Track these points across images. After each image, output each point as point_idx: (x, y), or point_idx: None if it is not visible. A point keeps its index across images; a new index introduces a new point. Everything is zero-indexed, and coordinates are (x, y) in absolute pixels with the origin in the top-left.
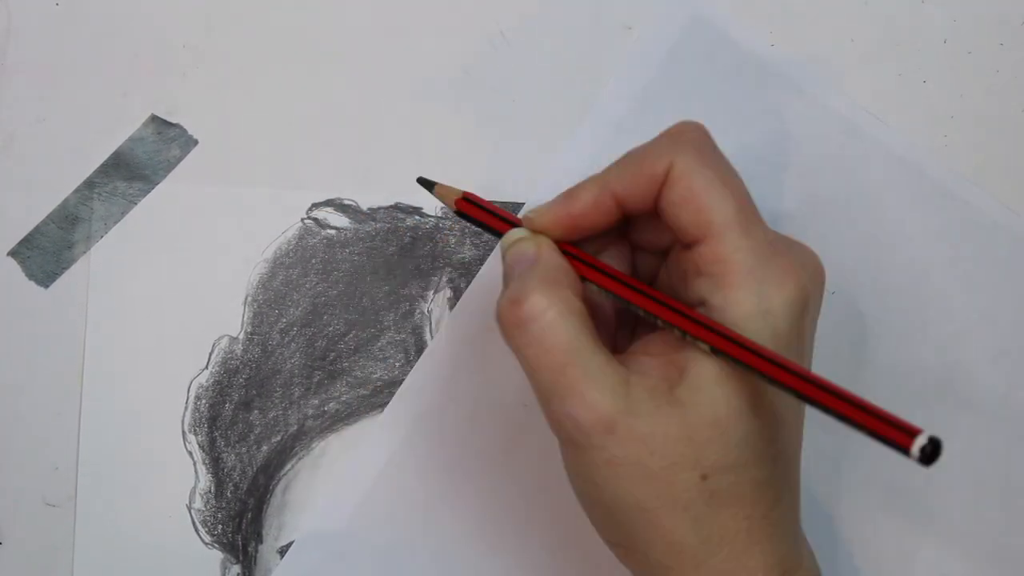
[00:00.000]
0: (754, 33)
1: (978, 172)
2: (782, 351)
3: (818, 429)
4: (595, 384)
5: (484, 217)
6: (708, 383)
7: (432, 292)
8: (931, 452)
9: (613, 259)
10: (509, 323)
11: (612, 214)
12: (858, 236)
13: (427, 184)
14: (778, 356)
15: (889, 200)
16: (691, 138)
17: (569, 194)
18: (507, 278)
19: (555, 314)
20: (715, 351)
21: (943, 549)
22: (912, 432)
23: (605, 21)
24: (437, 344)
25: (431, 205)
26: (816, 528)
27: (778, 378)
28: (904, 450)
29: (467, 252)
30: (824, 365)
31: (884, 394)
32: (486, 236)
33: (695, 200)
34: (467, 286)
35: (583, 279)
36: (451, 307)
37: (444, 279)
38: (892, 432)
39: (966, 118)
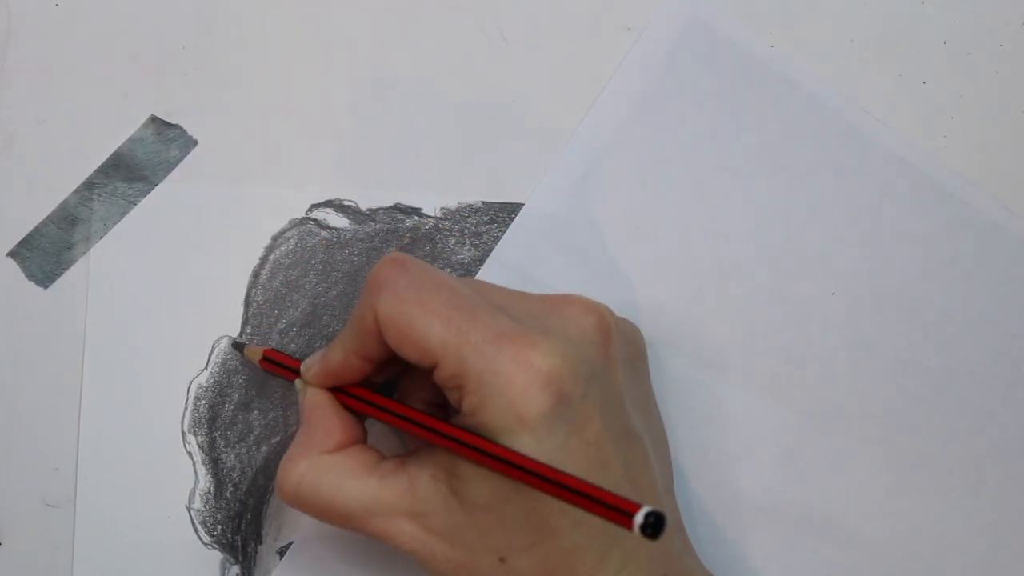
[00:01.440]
0: (753, 34)
1: (978, 172)
2: (544, 432)
3: (815, 431)
4: (379, 507)
5: (282, 372)
6: (475, 476)
7: None
8: (654, 524)
9: (421, 377)
10: (285, 501)
11: (363, 368)
12: (857, 237)
13: (238, 347)
14: (514, 456)
15: (888, 201)
16: (385, 280)
17: (324, 353)
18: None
19: (310, 478)
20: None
21: (942, 549)
22: (631, 511)
23: (605, 21)
24: None
25: (431, 206)
26: (816, 527)
27: (509, 474)
28: (627, 521)
29: (467, 253)
30: (823, 366)
31: (883, 395)
32: (486, 237)
33: (405, 337)
34: None
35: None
36: None
37: None
38: (612, 513)
39: (966, 119)
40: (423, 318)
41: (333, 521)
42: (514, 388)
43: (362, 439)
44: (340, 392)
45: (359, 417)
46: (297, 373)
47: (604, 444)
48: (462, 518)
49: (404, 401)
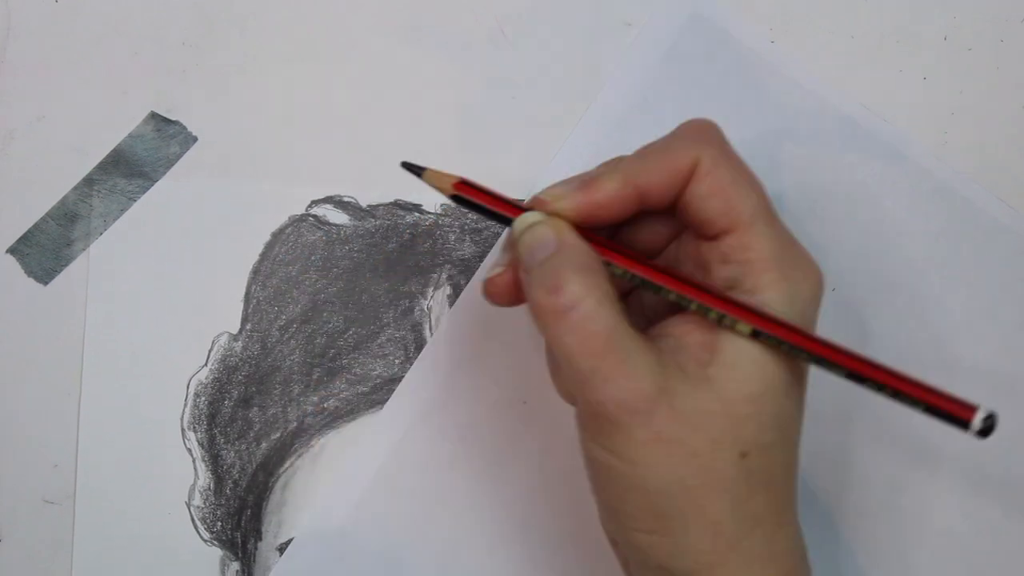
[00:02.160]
0: (753, 30)
1: (978, 168)
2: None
3: (820, 428)
4: (635, 365)
5: (487, 201)
6: (743, 361)
7: (432, 289)
8: (989, 427)
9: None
10: (548, 312)
11: (631, 206)
12: (858, 233)
13: (415, 169)
14: (827, 340)
15: (888, 197)
16: (713, 134)
17: (590, 183)
18: (526, 264)
19: (594, 302)
20: (756, 333)
21: (942, 546)
22: (970, 407)
23: (605, 18)
24: (436, 341)
25: (431, 202)
26: (816, 525)
27: (831, 358)
28: (964, 423)
29: (467, 249)
30: None
31: None
32: (486, 233)
33: (723, 193)
34: (467, 283)
35: (606, 264)
36: (451, 304)
37: (444, 276)
38: (952, 407)
39: (966, 115)
40: (746, 184)
41: (582, 354)
42: (804, 290)
43: None
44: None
45: None
46: (506, 204)
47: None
48: (715, 405)
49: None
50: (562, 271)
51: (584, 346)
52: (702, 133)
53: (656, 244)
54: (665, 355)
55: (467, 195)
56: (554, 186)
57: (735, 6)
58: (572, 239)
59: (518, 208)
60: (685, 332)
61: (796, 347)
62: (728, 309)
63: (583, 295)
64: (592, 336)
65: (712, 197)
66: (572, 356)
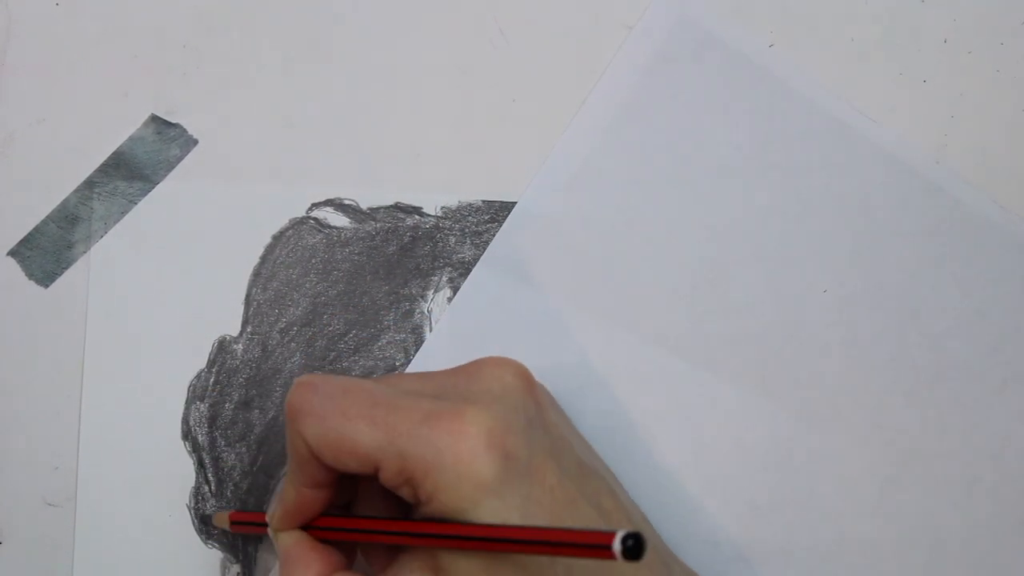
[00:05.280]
0: (743, 33)
1: (978, 171)
2: (503, 492)
3: (809, 429)
4: None
5: (253, 529)
6: (456, 563)
7: (432, 292)
8: (634, 545)
9: (369, 495)
10: None
11: (321, 496)
12: (850, 235)
13: (205, 520)
14: (478, 530)
15: (880, 198)
16: (300, 406)
17: (279, 495)
18: None
19: None
20: (440, 548)
21: (937, 546)
22: (606, 542)
23: (605, 20)
24: (433, 340)
25: (431, 204)
26: (811, 525)
27: (477, 548)
28: (607, 552)
29: (467, 252)
30: (817, 364)
31: (876, 393)
32: (487, 236)
33: (339, 451)
34: None
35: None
36: None
37: (444, 279)
38: (591, 550)
39: (966, 117)
40: (349, 427)
41: None
42: (460, 460)
43: (343, 566)
44: (311, 528)
45: (340, 545)
46: (266, 525)
47: (565, 484)
48: None
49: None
50: None
51: None
52: (293, 411)
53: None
54: None
55: (241, 529)
56: (271, 503)
57: (734, 10)
58: (284, 553)
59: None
60: (414, 552)
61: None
62: (415, 542)
63: None
64: None
65: (339, 461)
66: None
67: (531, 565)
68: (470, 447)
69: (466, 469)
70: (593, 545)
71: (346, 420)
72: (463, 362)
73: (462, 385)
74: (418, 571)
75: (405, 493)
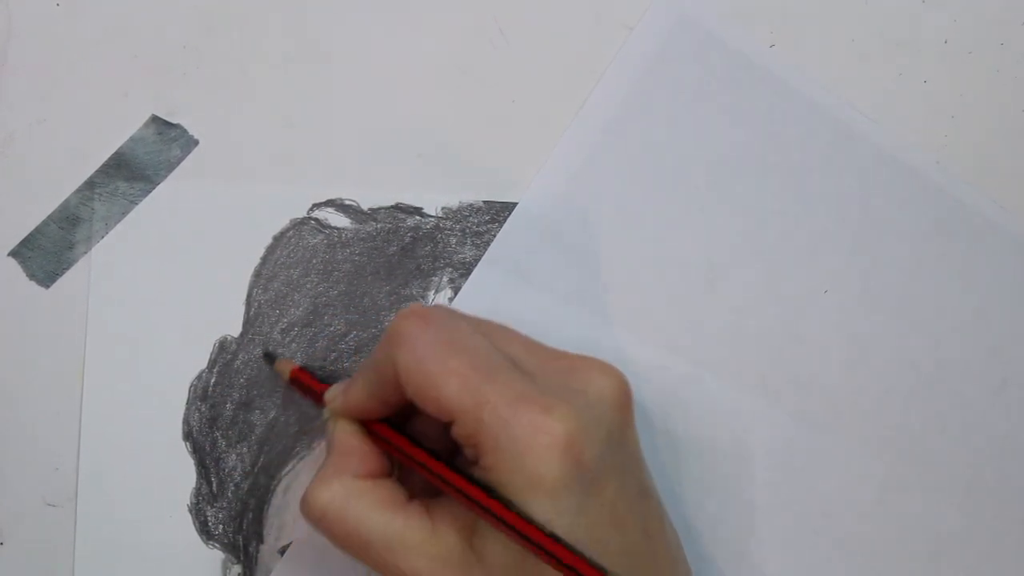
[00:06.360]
0: (743, 33)
1: (978, 171)
2: (560, 495)
3: (809, 430)
4: (401, 548)
5: (308, 395)
6: (493, 535)
7: (433, 292)
8: None
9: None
10: (310, 521)
11: (383, 410)
12: (849, 234)
13: (269, 358)
14: (529, 529)
15: (879, 198)
16: (404, 334)
17: (346, 390)
18: None
19: (339, 503)
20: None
21: (937, 546)
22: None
23: (605, 20)
24: None
25: (432, 205)
26: (811, 525)
27: (512, 538)
28: None
29: (468, 252)
30: (817, 364)
31: (876, 393)
32: (488, 236)
33: (424, 394)
34: None
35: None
36: None
37: (445, 279)
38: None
39: (967, 118)
40: (442, 377)
41: (351, 549)
42: (531, 453)
43: (390, 473)
44: (369, 425)
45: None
46: (320, 396)
47: (620, 504)
48: (479, 573)
49: (420, 440)
50: (312, 482)
51: (345, 543)
52: (395, 336)
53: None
54: (441, 523)
55: (296, 386)
56: (335, 386)
57: (735, 10)
58: (338, 441)
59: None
60: (457, 508)
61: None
62: (460, 500)
63: (328, 499)
64: (347, 534)
65: (419, 399)
66: (349, 552)
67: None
68: (546, 445)
69: (533, 464)
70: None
71: (442, 370)
72: None
73: (561, 376)
74: (459, 520)
75: (467, 451)
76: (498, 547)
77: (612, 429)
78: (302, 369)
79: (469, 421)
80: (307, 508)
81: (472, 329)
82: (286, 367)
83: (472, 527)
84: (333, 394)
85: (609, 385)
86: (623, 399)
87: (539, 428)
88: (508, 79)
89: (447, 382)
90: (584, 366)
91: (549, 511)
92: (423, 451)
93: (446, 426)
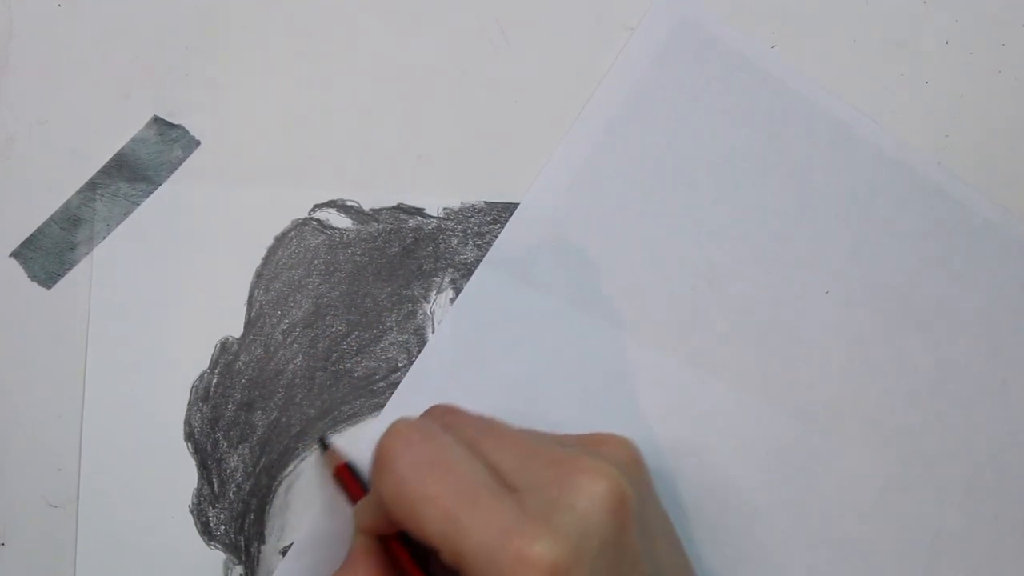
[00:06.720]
0: (744, 35)
1: (979, 172)
2: None
3: (810, 430)
4: None
5: (346, 492)
6: None
7: (434, 293)
8: None
9: None
10: None
11: (392, 527)
12: (850, 235)
13: (323, 445)
14: None
15: (880, 199)
16: (385, 457)
17: (362, 503)
18: None
19: None
20: None
21: (937, 546)
22: None
23: (606, 21)
24: (436, 342)
25: (433, 206)
26: (812, 526)
27: None
28: None
29: (469, 253)
30: (817, 365)
31: (877, 394)
32: (489, 237)
33: (406, 522)
34: None
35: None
36: None
37: (446, 280)
38: None
39: (968, 118)
40: (421, 504)
41: None
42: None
43: None
44: (386, 540)
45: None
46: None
47: None
48: None
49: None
50: None
51: None
52: (378, 458)
53: None
54: None
55: (337, 481)
56: (362, 500)
57: (737, 11)
58: (351, 552)
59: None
60: None
61: None
62: None
63: None
64: None
65: (403, 525)
66: None
67: None
68: (528, 566)
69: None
70: None
71: (422, 497)
72: (465, 363)
73: (553, 487)
74: None
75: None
76: None
77: (605, 537)
78: (347, 468)
79: (449, 553)
80: None
81: (457, 443)
82: (332, 461)
83: None
84: (357, 507)
85: (600, 492)
86: (617, 504)
87: (524, 562)
88: (509, 80)
89: (428, 511)
90: (576, 470)
91: None
92: (420, 571)
93: None
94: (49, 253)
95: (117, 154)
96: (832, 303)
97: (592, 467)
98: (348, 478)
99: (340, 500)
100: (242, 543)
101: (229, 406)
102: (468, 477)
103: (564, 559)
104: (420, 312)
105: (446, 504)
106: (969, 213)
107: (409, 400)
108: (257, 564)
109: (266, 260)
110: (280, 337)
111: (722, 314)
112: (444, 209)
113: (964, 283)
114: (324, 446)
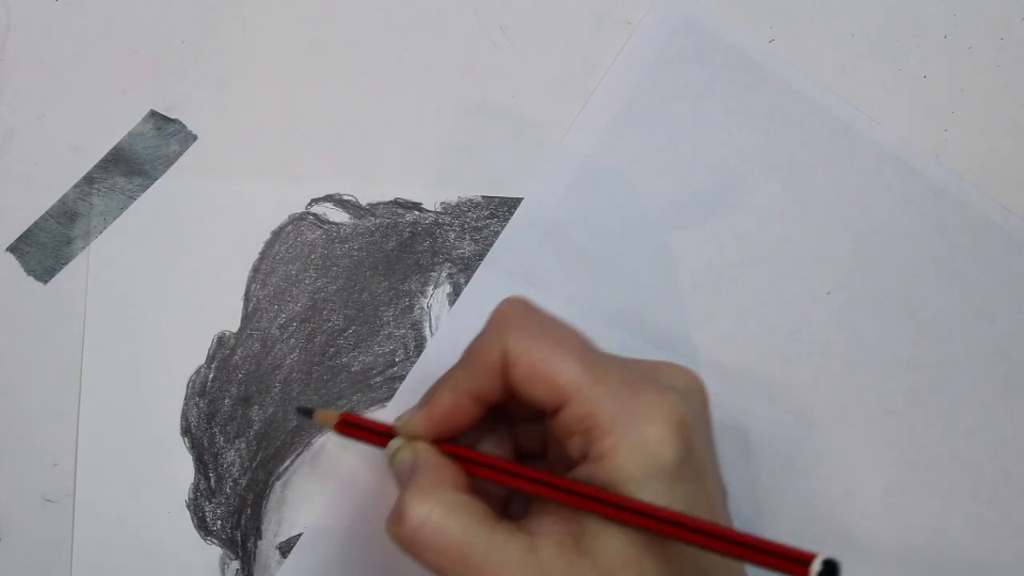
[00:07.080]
0: (744, 33)
1: (978, 167)
2: (676, 479)
3: (812, 431)
4: (502, 563)
5: (363, 435)
6: (607, 533)
7: (431, 288)
8: (831, 572)
9: (495, 441)
10: (400, 540)
11: (474, 411)
12: (851, 235)
13: (306, 412)
14: (662, 511)
15: (882, 199)
16: (513, 317)
17: (427, 402)
18: (399, 485)
19: (438, 515)
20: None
21: (940, 547)
22: (806, 559)
23: (606, 17)
24: (436, 343)
25: (431, 200)
26: (814, 526)
27: (666, 532)
28: (802, 570)
29: (467, 248)
30: (819, 365)
31: (880, 394)
32: (487, 231)
33: (538, 375)
34: (467, 282)
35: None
36: (450, 303)
37: (443, 275)
38: (788, 564)
39: (966, 113)
40: (558, 355)
41: (446, 563)
42: (653, 433)
43: (474, 492)
44: (445, 448)
45: None
46: (382, 436)
47: (717, 493)
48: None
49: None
50: (404, 496)
51: (443, 558)
52: (504, 319)
53: (536, 417)
54: (539, 537)
55: (346, 432)
56: (405, 412)
57: (736, 6)
58: (424, 459)
59: (387, 436)
60: (556, 508)
61: (637, 526)
62: (574, 501)
63: (427, 512)
64: (447, 548)
65: (530, 383)
66: (440, 571)
67: (676, 560)
68: (664, 424)
69: (654, 444)
70: (790, 558)
71: (557, 348)
72: None
73: (651, 373)
74: (561, 532)
75: (573, 443)
76: (615, 543)
77: (703, 421)
78: (351, 414)
79: (585, 400)
80: (401, 522)
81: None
82: (330, 417)
83: (577, 536)
84: (406, 416)
85: (692, 379)
86: (704, 394)
87: (659, 407)
88: (507, 75)
89: (564, 360)
90: (667, 366)
91: (664, 496)
92: (518, 464)
93: (508, 440)
94: (46, 248)
95: (114, 148)
96: (833, 303)
97: (673, 364)
98: (358, 419)
99: (347, 489)
100: (239, 538)
101: (226, 401)
102: (590, 342)
103: (689, 417)
104: (417, 307)
105: (580, 354)
106: (970, 212)
107: (412, 398)
108: (254, 559)
109: (263, 254)
110: (277, 332)
111: (723, 314)
112: (441, 204)
113: (965, 282)
114: (307, 413)
